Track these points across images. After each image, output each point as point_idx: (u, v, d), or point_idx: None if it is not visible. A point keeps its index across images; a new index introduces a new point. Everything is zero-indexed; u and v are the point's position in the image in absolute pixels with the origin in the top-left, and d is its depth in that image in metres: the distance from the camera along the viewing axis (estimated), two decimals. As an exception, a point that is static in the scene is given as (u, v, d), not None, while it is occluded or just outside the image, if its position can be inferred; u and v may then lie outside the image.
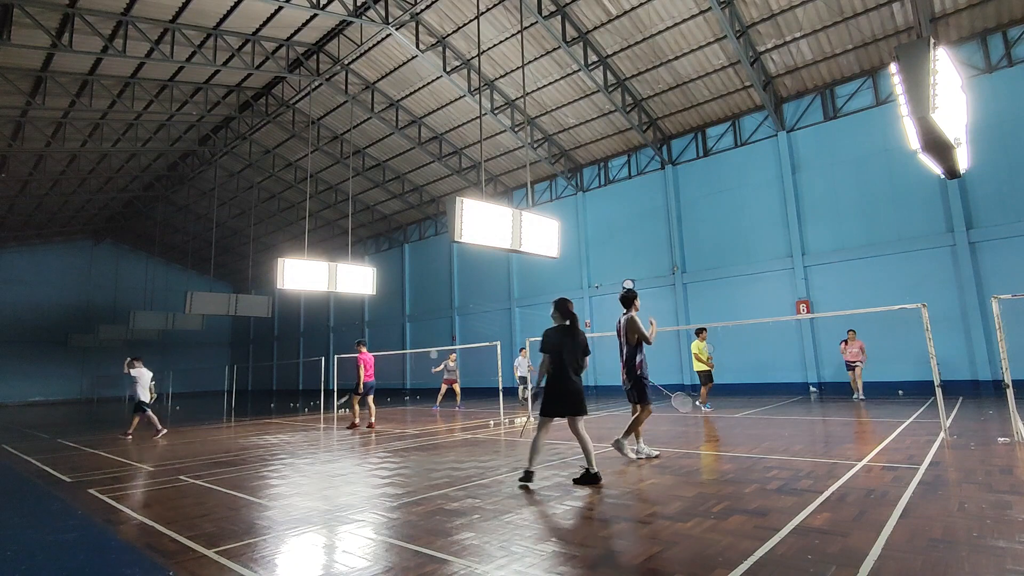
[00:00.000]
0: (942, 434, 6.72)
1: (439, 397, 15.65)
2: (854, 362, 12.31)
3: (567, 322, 5.28)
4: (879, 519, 3.57)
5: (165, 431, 10.89)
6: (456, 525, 3.88)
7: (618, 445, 6.13)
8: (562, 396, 5.04)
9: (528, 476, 4.97)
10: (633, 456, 6.15)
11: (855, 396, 12.29)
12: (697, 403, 11.65)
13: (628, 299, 6.34)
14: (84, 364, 33.32)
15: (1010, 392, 6.54)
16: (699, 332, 12.09)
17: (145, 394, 10.79)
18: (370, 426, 11.13)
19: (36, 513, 4.96)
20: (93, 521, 4.48)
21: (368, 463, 6.80)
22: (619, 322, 6.36)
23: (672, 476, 5.24)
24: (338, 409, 15.65)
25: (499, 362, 12.45)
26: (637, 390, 6.11)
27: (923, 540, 3.16)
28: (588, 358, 5.29)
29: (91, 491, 5.62)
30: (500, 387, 12.63)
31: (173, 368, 33.12)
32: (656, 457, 6.16)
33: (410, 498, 4.78)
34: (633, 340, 6.14)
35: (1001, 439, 6.37)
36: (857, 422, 8.67)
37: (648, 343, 6.18)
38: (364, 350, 11.47)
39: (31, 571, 3.33)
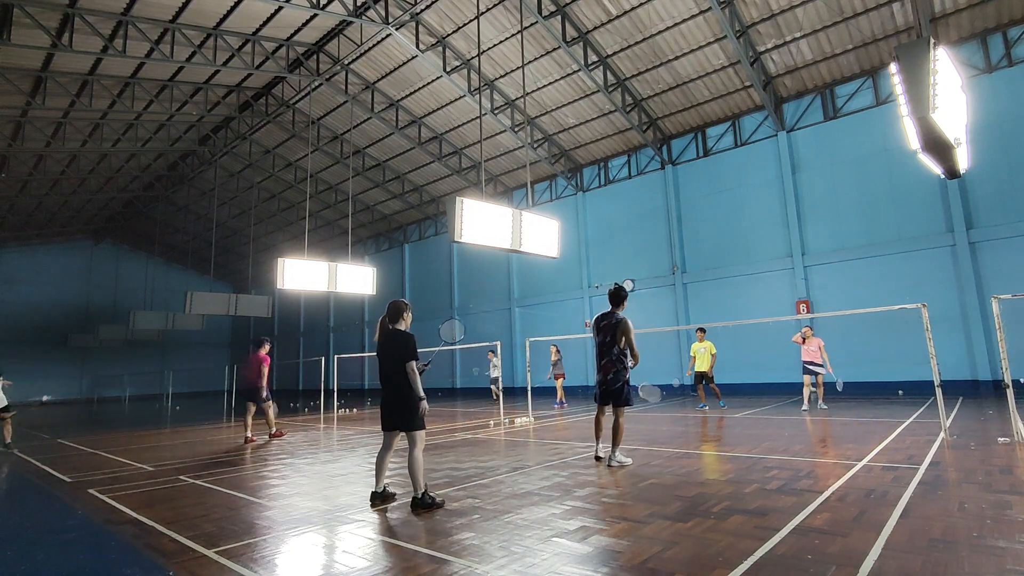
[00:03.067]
0: (942, 434, 6.71)
1: (559, 394, 14.81)
2: (813, 364, 10.72)
3: (392, 326, 4.71)
4: (879, 519, 3.57)
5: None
6: (456, 525, 3.88)
7: (616, 463, 5.79)
8: (388, 408, 4.59)
9: (374, 498, 4.55)
10: (630, 461, 5.90)
11: (804, 407, 10.58)
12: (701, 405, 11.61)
13: (622, 297, 6.02)
14: (84, 364, 33.32)
15: (1010, 392, 6.54)
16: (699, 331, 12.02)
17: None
18: (248, 440, 9.26)
19: (36, 513, 4.96)
20: (93, 521, 4.48)
21: (368, 463, 6.78)
22: (605, 321, 5.96)
23: (672, 476, 5.24)
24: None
25: (499, 362, 12.47)
26: (623, 394, 5.80)
27: (923, 540, 3.16)
28: (416, 364, 4.52)
29: (91, 491, 5.62)
30: (500, 387, 12.62)
31: (173, 368, 33.17)
32: (601, 459, 6.02)
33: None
34: (621, 343, 5.83)
35: (1001, 439, 6.37)
36: (857, 422, 8.67)
37: (634, 356, 5.89)
38: (264, 351, 9.79)
39: (31, 571, 3.33)
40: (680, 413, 11.42)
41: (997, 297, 6.78)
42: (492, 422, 11.15)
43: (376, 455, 4.74)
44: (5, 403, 9.80)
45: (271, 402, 9.82)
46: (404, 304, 4.80)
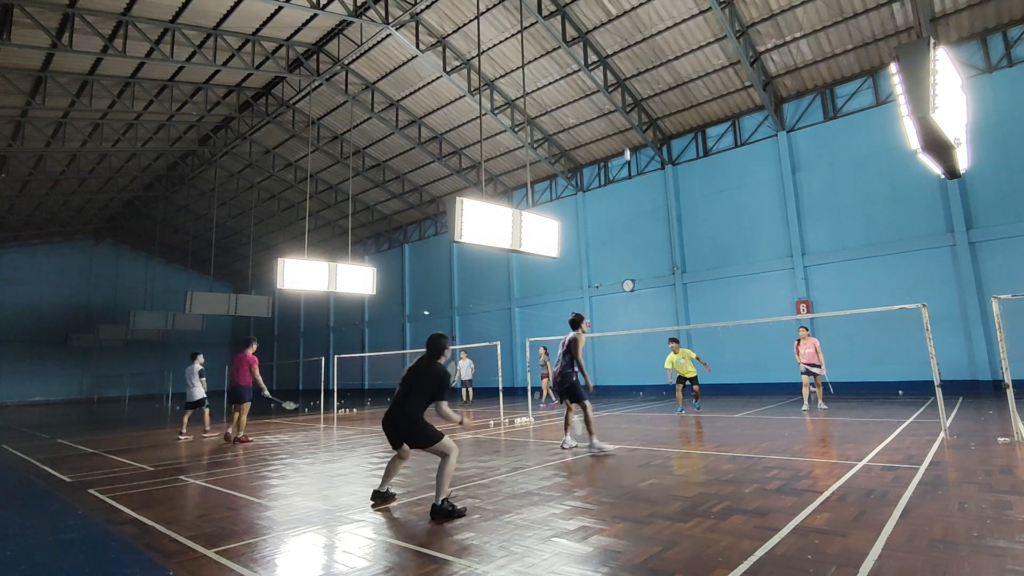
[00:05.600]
0: (942, 434, 6.72)
1: (544, 395, 15.76)
2: (812, 366, 10.73)
3: (432, 357, 4.65)
4: (879, 519, 3.57)
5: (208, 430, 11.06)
6: (456, 525, 3.88)
7: (596, 449, 6.70)
8: (397, 426, 4.47)
9: (375, 496, 4.60)
10: (611, 449, 6.73)
11: (804, 407, 10.60)
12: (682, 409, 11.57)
13: (577, 322, 7.35)
14: (84, 364, 33.31)
15: (1010, 392, 6.54)
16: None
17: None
18: (240, 440, 9.43)
19: (36, 513, 4.96)
20: (93, 521, 4.48)
21: (368, 463, 6.79)
22: (566, 338, 7.27)
23: (672, 476, 5.24)
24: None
25: (499, 362, 12.48)
26: (574, 391, 7.05)
27: (923, 540, 3.16)
28: (443, 390, 4.47)
29: (91, 491, 5.62)
30: (500, 387, 12.62)
31: (173, 368, 33.14)
32: (609, 455, 6.60)
33: (410, 498, 4.78)
34: (575, 354, 7.11)
35: (1001, 439, 6.37)
36: (857, 422, 8.67)
37: (578, 361, 7.12)
38: (252, 350, 9.86)
39: (31, 571, 3.33)
40: (679, 413, 11.40)
41: (997, 297, 6.79)
42: (492, 422, 11.15)
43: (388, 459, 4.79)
44: (200, 396, 10.85)
45: (248, 403, 9.81)
46: (445, 339, 4.69)
